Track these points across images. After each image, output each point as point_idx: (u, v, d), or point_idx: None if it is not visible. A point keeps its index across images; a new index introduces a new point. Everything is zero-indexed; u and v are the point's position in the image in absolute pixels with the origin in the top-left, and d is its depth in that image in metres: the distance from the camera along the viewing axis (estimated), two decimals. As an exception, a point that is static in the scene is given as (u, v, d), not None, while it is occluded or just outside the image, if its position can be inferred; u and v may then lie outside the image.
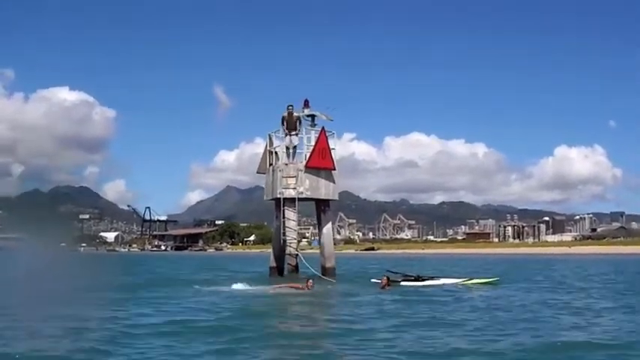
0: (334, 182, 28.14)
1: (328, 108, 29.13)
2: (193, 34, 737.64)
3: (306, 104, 28.39)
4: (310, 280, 20.76)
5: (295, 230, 27.52)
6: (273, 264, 28.78)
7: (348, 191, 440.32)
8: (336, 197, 28.79)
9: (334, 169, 27.99)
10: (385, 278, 22.75)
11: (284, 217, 26.95)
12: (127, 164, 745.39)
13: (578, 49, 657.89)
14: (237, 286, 21.60)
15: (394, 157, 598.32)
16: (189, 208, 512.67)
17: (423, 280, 24.12)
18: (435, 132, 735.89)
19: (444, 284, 23.58)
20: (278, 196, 27.23)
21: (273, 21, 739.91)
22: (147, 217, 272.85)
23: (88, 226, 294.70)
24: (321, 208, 28.56)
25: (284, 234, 27.01)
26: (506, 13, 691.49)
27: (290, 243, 27.26)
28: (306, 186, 27.22)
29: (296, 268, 27.56)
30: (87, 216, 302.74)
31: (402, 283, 23.61)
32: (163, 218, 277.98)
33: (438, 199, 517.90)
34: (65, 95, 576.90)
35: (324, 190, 27.80)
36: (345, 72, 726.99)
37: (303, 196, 27.34)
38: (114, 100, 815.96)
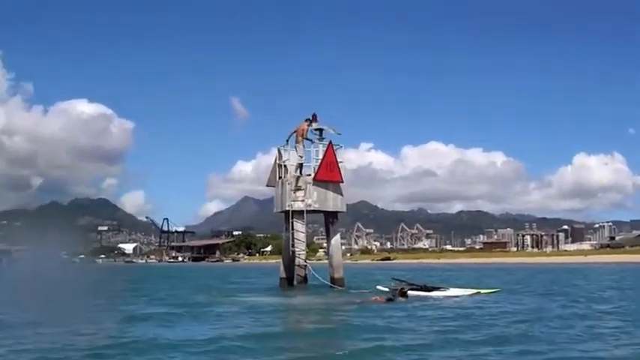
0: (342, 195, 28.77)
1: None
2: (210, 45, 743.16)
3: (314, 118, 29.06)
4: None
5: (304, 242, 28.16)
6: (283, 275, 29.39)
7: (365, 201, 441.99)
8: (344, 209, 29.42)
9: (342, 182, 28.65)
10: (400, 287, 23.36)
11: (293, 229, 27.64)
12: (145, 176, 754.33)
13: (597, 56, 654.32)
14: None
15: (412, 166, 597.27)
16: (207, 219, 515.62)
17: (429, 290, 24.37)
18: (453, 141, 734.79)
19: (449, 295, 23.56)
20: (287, 208, 27.91)
21: (289, 30, 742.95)
22: (165, 229, 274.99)
23: (106, 238, 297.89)
24: (330, 220, 29.21)
25: (293, 245, 27.69)
26: (525, 20, 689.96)
27: (299, 254, 27.89)
28: (314, 198, 27.87)
29: (305, 278, 28.20)
30: (105, 227, 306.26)
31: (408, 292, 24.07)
32: (181, 229, 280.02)
33: (456, 208, 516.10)
34: (84, 108, 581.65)
35: (332, 202, 28.46)
36: (362, 82, 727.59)
37: (311, 208, 28.02)
38: (132, 112, 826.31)
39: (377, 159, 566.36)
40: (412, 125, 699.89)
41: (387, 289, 24.21)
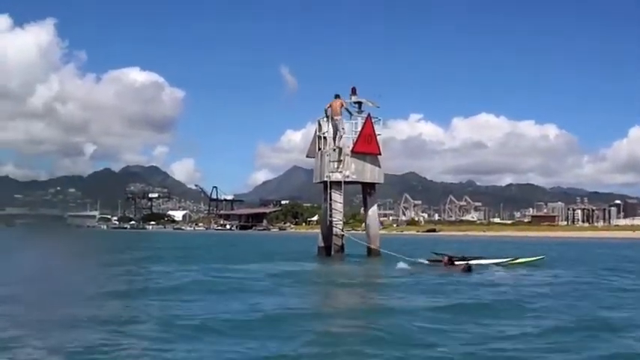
0: (379, 166, 29.27)
1: (380, 96, 30.07)
2: (261, 14, 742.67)
3: (354, 91, 29.49)
4: None
5: (341, 212, 28.75)
6: (322, 244, 30.00)
7: (414, 172, 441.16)
8: (382, 181, 29.87)
9: (380, 154, 29.09)
10: (447, 257, 24.06)
11: (331, 200, 28.24)
12: (195, 144, 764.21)
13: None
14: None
15: (462, 137, 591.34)
16: (256, 188, 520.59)
17: (468, 260, 24.67)
18: (505, 113, 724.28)
19: (488, 264, 24.12)
20: (325, 179, 28.53)
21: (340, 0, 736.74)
22: (214, 197, 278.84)
23: (157, 205, 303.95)
24: (367, 191, 29.79)
25: (331, 215, 28.30)
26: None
27: (336, 224, 28.51)
28: (352, 170, 28.45)
29: (342, 248, 28.88)
30: (156, 195, 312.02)
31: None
32: (230, 198, 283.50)
33: (505, 180, 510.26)
34: (136, 76, 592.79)
35: (370, 173, 28.99)
36: (412, 53, 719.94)
37: (349, 179, 28.60)
38: (183, 80, 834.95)
39: (426, 130, 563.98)
40: (463, 96, 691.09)
41: (427, 262, 24.77)
